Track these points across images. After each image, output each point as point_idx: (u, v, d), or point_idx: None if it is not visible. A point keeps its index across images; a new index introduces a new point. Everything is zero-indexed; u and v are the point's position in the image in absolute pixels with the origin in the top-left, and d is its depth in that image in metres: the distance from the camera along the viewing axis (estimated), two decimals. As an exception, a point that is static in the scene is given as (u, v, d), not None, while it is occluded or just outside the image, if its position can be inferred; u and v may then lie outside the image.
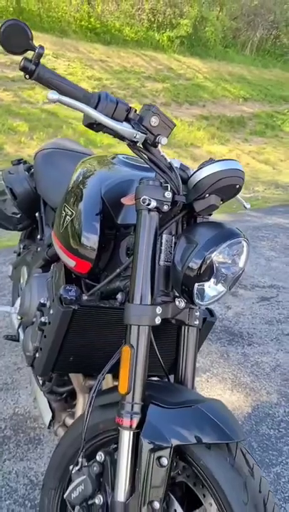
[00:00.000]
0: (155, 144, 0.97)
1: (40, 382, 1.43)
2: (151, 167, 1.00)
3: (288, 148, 8.75)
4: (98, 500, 0.97)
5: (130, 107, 0.95)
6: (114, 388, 1.04)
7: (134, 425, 0.92)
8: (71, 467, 1.03)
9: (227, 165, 0.97)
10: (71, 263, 1.15)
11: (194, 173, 0.99)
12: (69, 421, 1.41)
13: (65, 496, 1.01)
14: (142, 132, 0.94)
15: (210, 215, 1.05)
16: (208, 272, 0.96)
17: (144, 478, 0.89)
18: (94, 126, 0.95)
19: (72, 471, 1.01)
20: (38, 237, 1.75)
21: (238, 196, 1.23)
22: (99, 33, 10.64)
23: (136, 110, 0.96)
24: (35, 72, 0.89)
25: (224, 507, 0.85)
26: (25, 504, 1.41)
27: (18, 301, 1.84)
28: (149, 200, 0.94)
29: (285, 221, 4.35)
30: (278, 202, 5.33)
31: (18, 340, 1.72)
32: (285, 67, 13.09)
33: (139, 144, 0.96)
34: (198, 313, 1.08)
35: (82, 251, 1.12)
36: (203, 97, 9.80)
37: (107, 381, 1.33)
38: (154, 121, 0.95)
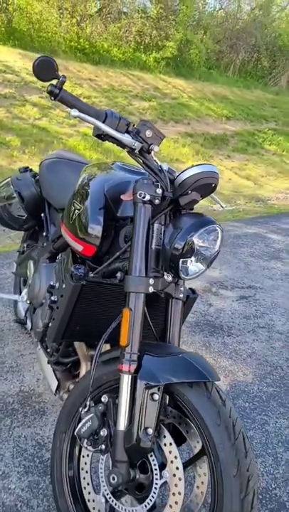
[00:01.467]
0: (149, 151, 1.25)
1: (48, 354, 1.67)
2: (145, 169, 1.28)
3: (268, 165, 9.17)
4: (103, 432, 1.21)
5: (130, 122, 1.23)
6: (113, 349, 1.30)
7: (132, 370, 1.17)
8: (80, 409, 1.27)
9: (205, 168, 1.25)
10: (79, 248, 1.41)
11: (179, 174, 1.27)
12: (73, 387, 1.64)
13: (75, 432, 1.24)
14: (139, 142, 1.21)
15: (191, 209, 1.33)
16: (190, 251, 1.23)
17: (140, 410, 1.14)
18: (102, 136, 1.22)
19: (82, 412, 1.25)
20: (44, 234, 2.01)
21: (216, 198, 1.52)
22: (88, 53, 11.04)
23: (134, 124, 1.24)
24: (59, 95, 1.16)
25: (203, 430, 1.10)
26: (34, 460, 1.64)
27: (24, 291, 2.09)
28: (145, 194, 1.21)
29: (263, 230, 4.67)
30: (258, 214, 5.65)
31: (25, 324, 1.96)
32: (265, 89, 13.66)
33: (136, 151, 1.23)
34: (182, 289, 1.35)
35: (89, 238, 1.38)
36: (188, 116, 10.21)
37: (105, 349, 1.58)
38: (149, 133, 1.23)
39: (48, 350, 1.65)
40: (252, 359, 2.37)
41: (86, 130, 8.14)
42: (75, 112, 1.14)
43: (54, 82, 1.15)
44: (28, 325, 1.99)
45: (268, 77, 14.06)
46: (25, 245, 2.38)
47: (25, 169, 2.21)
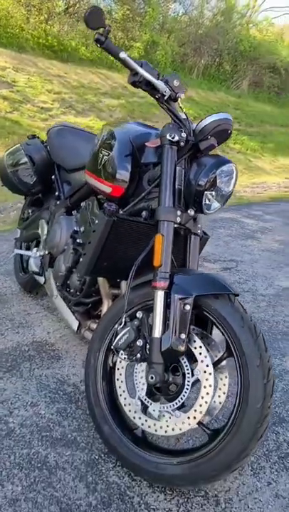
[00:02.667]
0: (176, 99, 1.44)
1: (70, 295, 1.82)
2: (171, 116, 1.47)
3: (234, 162, 9.56)
4: (139, 343, 1.39)
5: (159, 73, 1.42)
6: (142, 275, 1.47)
7: (166, 287, 1.36)
8: (116, 326, 1.44)
9: (222, 115, 1.46)
10: (107, 190, 1.58)
11: (200, 122, 1.47)
12: (93, 326, 1.80)
13: (113, 345, 1.41)
14: (169, 89, 1.40)
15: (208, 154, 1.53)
16: (212, 185, 1.43)
17: (174, 319, 1.32)
18: (136, 83, 1.40)
19: (118, 328, 1.42)
20: (56, 193, 2.15)
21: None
22: (56, 50, 11.10)
23: (163, 75, 1.43)
24: (104, 43, 1.33)
25: (229, 332, 1.30)
26: (58, 393, 1.78)
27: (34, 249, 2.22)
28: (174, 135, 1.40)
29: (237, 216, 4.96)
30: (229, 204, 5.93)
31: (41, 275, 2.10)
32: (228, 92, 14.15)
33: (166, 98, 1.42)
34: (200, 225, 1.55)
35: (117, 180, 1.55)
36: (156, 114, 10.47)
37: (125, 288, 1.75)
38: (176, 82, 1.42)
39: (71, 291, 1.80)
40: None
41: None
42: (123, 54, 1.32)
43: (101, 30, 1.32)
44: (42, 278, 2.13)
45: (230, 81, 14.56)
46: (29, 211, 2.52)
47: (33, 136, 2.35)
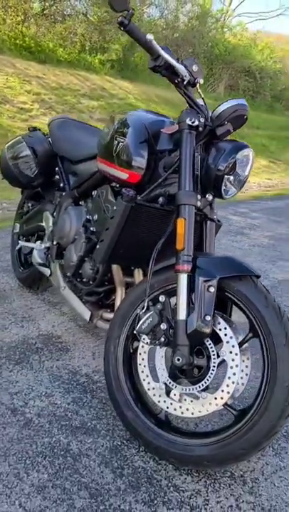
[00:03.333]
0: (194, 84, 1.45)
1: (82, 285, 1.81)
2: (188, 101, 1.48)
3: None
4: (163, 326, 1.39)
5: (178, 58, 1.43)
6: (163, 261, 1.48)
7: (189, 269, 1.36)
8: (138, 310, 1.44)
9: (239, 101, 1.48)
10: (124, 176, 1.57)
11: (216, 107, 1.48)
12: (106, 315, 1.80)
13: (135, 330, 1.41)
14: (188, 74, 1.42)
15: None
16: (232, 169, 1.45)
17: (199, 300, 1.33)
18: (157, 67, 1.41)
19: (140, 312, 1.42)
20: (61, 185, 2.14)
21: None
22: (33, 51, 11.00)
23: (182, 60, 1.44)
24: (128, 26, 1.33)
25: (254, 312, 1.31)
26: (72, 383, 1.76)
27: (38, 242, 2.20)
28: (194, 119, 1.41)
29: (224, 213, 4.99)
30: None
31: (48, 267, 2.07)
32: (205, 94, 14.11)
33: (185, 83, 1.43)
34: (216, 211, 1.57)
35: (134, 166, 1.55)
36: (136, 116, 10.50)
37: (139, 276, 1.75)
38: (195, 67, 1.44)
39: (84, 280, 1.79)
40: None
41: (39, 125, 8.13)
42: (150, 36, 1.32)
43: (124, 14, 1.31)
44: (47, 271, 2.10)
45: (207, 84, 14.73)
46: (29, 205, 2.49)
47: (34, 129, 2.33)
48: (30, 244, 2.32)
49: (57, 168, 2.18)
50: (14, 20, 11.33)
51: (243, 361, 1.43)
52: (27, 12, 11.79)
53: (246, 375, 1.43)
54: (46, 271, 2.11)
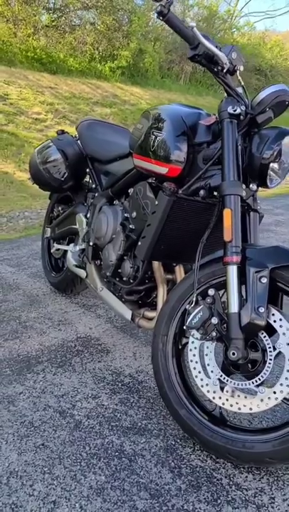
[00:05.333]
0: (234, 72, 1.42)
1: (123, 283, 1.79)
2: (227, 90, 1.44)
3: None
4: (214, 320, 1.35)
5: (217, 45, 1.40)
6: (208, 256, 1.44)
7: (238, 261, 1.33)
8: (187, 306, 1.41)
9: (280, 86, 1.44)
10: (163, 170, 1.55)
11: (257, 94, 1.45)
12: (148, 314, 1.76)
13: (185, 325, 1.37)
14: (228, 62, 1.39)
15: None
16: (277, 156, 1.41)
17: (252, 292, 1.29)
18: (196, 57, 1.38)
19: (189, 307, 1.38)
20: (93, 186, 2.12)
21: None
22: (45, 63, 11.13)
23: (220, 48, 1.41)
24: (167, 15, 1.31)
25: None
26: (117, 384, 1.73)
27: (71, 244, 2.19)
28: (236, 107, 1.38)
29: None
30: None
31: (84, 268, 2.05)
32: (216, 95, 14.28)
33: (225, 71, 1.40)
34: (259, 202, 1.53)
35: (174, 160, 1.52)
36: (149, 120, 10.52)
37: (181, 273, 1.72)
38: (234, 55, 1.40)
39: (124, 279, 1.76)
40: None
41: (54, 134, 8.21)
42: (193, 23, 1.30)
43: (163, 2, 1.29)
44: (83, 273, 2.08)
45: (217, 85, 14.71)
46: (59, 208, 2.49)
47: (62, 132, 2.32)
48: (64, 247, 2.30)
49: (88, 170, 2.17)
50: (25, 33, 11.49)
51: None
52: (36, 25, 11.96)
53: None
54: (82, 273, 2.09)
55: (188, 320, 1.36)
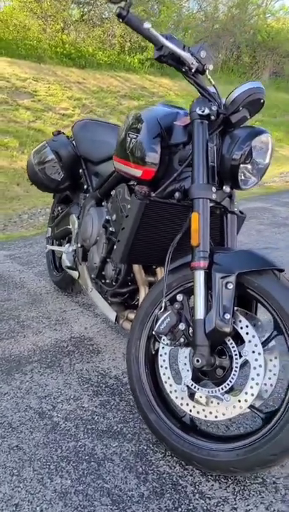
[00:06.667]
0: (203, 71, 1.38)
1: (107, 286, 1.79)
2: (198, 89, 1.41)
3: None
4: (181, 326, 1.33)
5: (185, 45, 1.37)
6: (179, 258, 1.42)
7: (206, 266, 1.30)
8: (156, 311, 1.39)
9: (253, 84, 1.39)
10: (138, 173, 1.53)
11: (231, 93, 1.40)
12: (131, 316, 1.76)
13: (154, 330, 1.36)
14: (196, 61, 1.35)
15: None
16: (248, 157, 1.37)
17: (218, 298, 1.26)
18: (162, 58, 1.35)
19: (158, 313, 1.37)
20: (84, 187, 2.13)
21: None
22: (74, 58, 11.20)
23: (188, 47, 1.37)
24: (126, 17, 1.28)
25: (277, 309, 1.22)
26: (100, 386, 1.74)
27: (66, 245, 2.21)
28: (204, 108, 1.34)
29: (267, 205, 4.84)
30: (258, 194, 5.82)
31: (76, 269, 2.07)
32: (249, 83, 13.96)
33: (193, 70, 1.37)
34: (236, 203, 1.49)
35: (148, 162, 1.50)
36: (177, 112, 10.41)
37: (162, 275, 1.70)
38: (203, 53, 1.36)
39: (107, 281, 1.77)
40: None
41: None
42: (147, 25, 1.27)
43: (122, 4, 1.27)
44: (76, 273, 2.10)
45: (250, 72, 14.37)
46: (59, 208, 2.51)
47: (59, 132, 2.33)
48: (58, 248, 2.33)
49: (81, 170, 2.18)
50: (54, 29, 11.59)
51: (271, 360, 1.34)
52: (66, 20, 12.04)
53: (274, 375, 1.33)
54: (75, 274, 2.11)
55: (157, 325, 1.35)
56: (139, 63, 12.23)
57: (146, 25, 1.27)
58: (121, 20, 1.29)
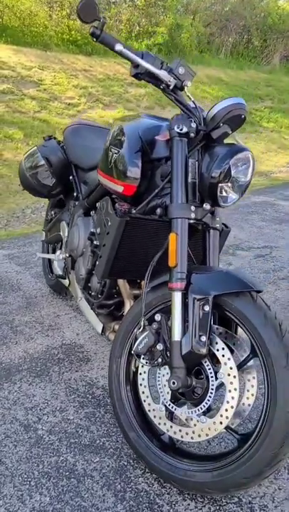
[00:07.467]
0: (182, 88, 1.36)
1: (92, 298, 1.79)
2: (179, 105, 1.39)
3: (268, 142, 9.25)
4: (159, 346, 1.33)
5: (163, 61, 1.34)
6: (159, 275, 1.41)
7: (183, 287, 1.29)
8: (135, 330, 1.39)
9: (234, 100, 1.36)
10: (119, 189, 1.52)
11: (210, 109, 1.38)
12: (117, 327, 1.76)
13: (133, 350, 1.37)
14: (173, 78, 1.32)
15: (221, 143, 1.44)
16: (227, 176, 1.35)
17: (194, 321, 1.26)
18: (139, 75, 1.33)
19: (137, 332, 1.37)
20: (74, 194, 2.12)
21: (239, 140, 1.62)
22: (80, 44, 11.08)
23: (167, 63, 1.35)
24: (100, 36, 1.26)
25: (252, 332, 1.22)
26: (87, 397, 1.76)
27: (58, 252, 2.21)
28: (182, 126, 1.32)
29: (271, 199, 4.78)
30: (264, 186, 5.76)
31: (65, 278, 2.08)
32: (258, 68, 13.68)
33: (171, 88, 1.34)
34: (218, 219, 1.47)
35: (128, 178, 1.48)
36: (185, 99, 10.26)
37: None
38: (181, 70, 1.34)
39: (93, 293, 1.77)
40: (276, 304, 2.49)
41: (87, 118, 8.25)
42: (119, 47, 1.25)
43: (95, 23, 1.25)
44: (66, 281, 2.11)
45: (261, 57, 14.08)
46: (52, 213, 2.51)
47: (50, 137, 2.32)
48: (48, 256, 2.33)
49: (71, 177, 2.16)
50: (60, 15, 11.45)
51: (249, 380, 1.34)
52: (72, 5, 11.86)
53: (252, 395, 1.33)
54: (65, 282, 2.12)
55: (135, 345, 1.35)
56: (147, 49, 12.05)
57: (118, 47, 1.25)
58: (95, 39, 1.27)
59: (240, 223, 3.97)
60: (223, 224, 1.64)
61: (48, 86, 9.03)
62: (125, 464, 1.44)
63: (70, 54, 10.78)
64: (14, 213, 4.97)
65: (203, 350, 1.25)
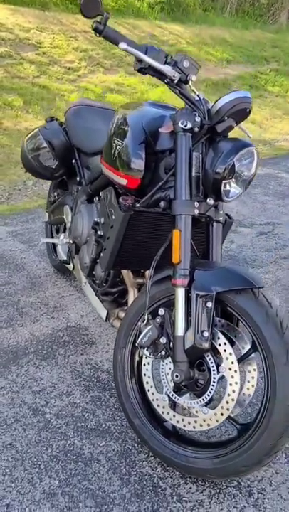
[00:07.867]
0: (187, 81, 1.34)
1: (97, 285, 1.82)
2: (183, 99, 1.37)
3: (273, 107, 9.05)
4: (162, 340, 1.37)
5: (167, 54, 1.32)
6: (164, 269, 1.43)
7: (186, 284, 1.32)
8: (139, 323, 1.43)
9: (240, 94, 1.35)
10: (123, 182, 1.52)
11: (215, 102, 1.36)
12: (122, 314, 1.80)
13: (137, 343, 1.40)
14: (178, 72, 1.30)
15: (226, 136, 1.43)
16: (231, 173, 1.34)
17: (196, 317, 1.29)
18: (143, 70, 1.31)
19: (141, 326, 1.41)
20: (77, 179, 2.11)
21: (244, 127, 1.60)
22: (79, 3, 10.67)
23: (171, 56, 1.32)
24: (103, 31, 1.24)
25: (254, 329, 1.25)
26: (92, 380, 1.82)
27: (62, 235, 2.22)
28: (186, 122, 1.31)
29: (275, 171, 4.73)
30: (267, 156, 5.68)
31: (69, 263, 2.10)
32: (265, 28, 13.20)
33: (175, 82, 1.32)
34: (221, 212, 1.48)
35: (132, 171, 1.48)
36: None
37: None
38: (186, 63, 1.31)
39: (97, 281, 1.80)
40: (277, 285, 2.53)
41: (87, 85, 8.06)
42: (123, 45, 1.23)
43: (98, 18, 1.22)
44: (71, 265, 2.13)
45: (267, 15, 13.56)
46: (55, 194, 2.50)
47: (52, 119, 2.28)
48: (52, 240, 2.35)
49: (73, 161, 2.15)
50: (58, -28, 10.96)
51: (249, 372, 1.39)
52: None
53: (252, 386, 1.39)
54: (69, 266, 2.14)
55: (140, 338, 1.39)
56: (149, 7, 11.61)
57: (123, 45, 1.22)
58: (98, 34, 1.24)
59: (242, 197, 3.94)
60: (226, 215, 1.65)
61: (47, 49, 8.76)
62: (130, 447, 1.51)
63: (69, 14, 10.39)
64: (16, 185, 4.94)
65: (206, 345, 1.28)
